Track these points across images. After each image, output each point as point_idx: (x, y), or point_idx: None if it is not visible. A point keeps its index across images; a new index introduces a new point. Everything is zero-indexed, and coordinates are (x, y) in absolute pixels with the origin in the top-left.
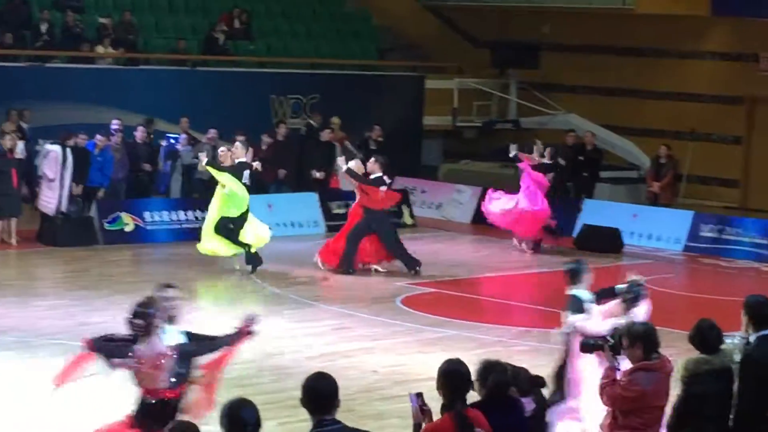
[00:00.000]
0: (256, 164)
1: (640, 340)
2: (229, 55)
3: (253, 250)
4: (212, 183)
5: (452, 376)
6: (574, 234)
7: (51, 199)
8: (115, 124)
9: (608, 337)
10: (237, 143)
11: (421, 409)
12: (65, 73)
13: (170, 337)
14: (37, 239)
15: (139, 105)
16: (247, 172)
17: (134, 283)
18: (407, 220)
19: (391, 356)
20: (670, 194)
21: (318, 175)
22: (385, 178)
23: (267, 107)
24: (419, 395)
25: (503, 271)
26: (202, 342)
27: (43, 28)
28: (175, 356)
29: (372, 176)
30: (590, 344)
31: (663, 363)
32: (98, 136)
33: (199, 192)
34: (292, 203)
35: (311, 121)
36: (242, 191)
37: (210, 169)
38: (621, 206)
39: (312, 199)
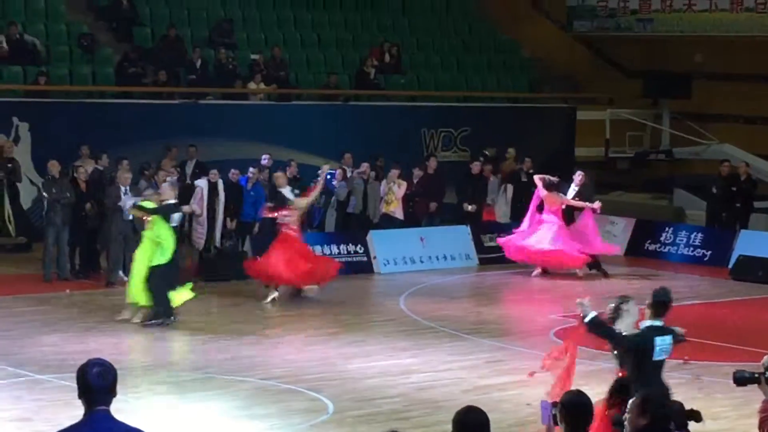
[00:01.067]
0: (188, 208)
1: None
2: (380, 89)
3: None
4: (363, 217)
5: (575, 409)
6: (729, 265)
7: (201, 234)
8: (265, 159)
9: (765, 371)
10: (164, 184)
11: (555, 419)
12: (218, 109)
13: None
14: (192, 274)
15: (291, 140)
16: (177, 215)
17: (286, 317)
18: None
19: (546, 389)
20: None
21: (470, 208)
22: None
23: (418, 141)
24: (555, 404)
25: None
26: None
27: (197, 64)
28: None
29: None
30: (745, 377)
31: None
32: (251, 169)
33: (352, 226)
34: (444, 236)
35: (486, 152)
36: (169, 236)
37: (137, 211)
38: None
39: (464, 231)
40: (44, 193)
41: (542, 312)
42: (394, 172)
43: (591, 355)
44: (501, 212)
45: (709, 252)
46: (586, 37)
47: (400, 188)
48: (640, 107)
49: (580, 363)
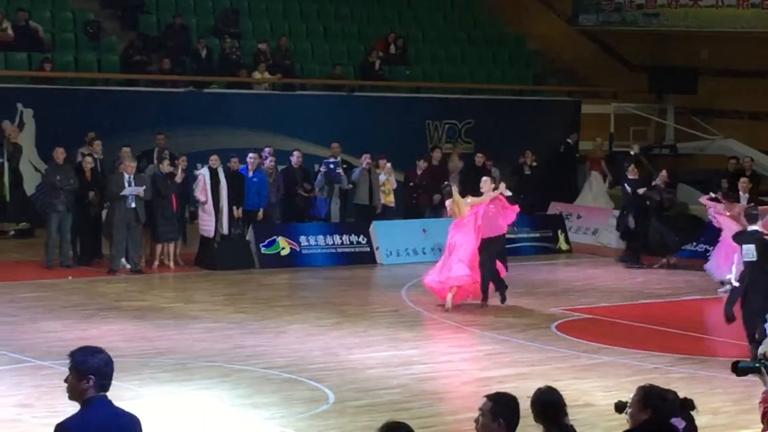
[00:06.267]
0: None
1: None
2: (385, 80)
3: None
4: (369, 208)
5: (547, 406)
6: None
7: (208, 222)
8: (266, 151)
9: (765, 360)
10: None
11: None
12: (222, 98)
13: None
14: (195, 262)
15: (295, 130)
16: None
17: (289, 306)
18: (562, 245)
19: (546, 382)
20: None
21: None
22: None
23: (422, 132)
24: None
25: (658, 298)
26: None
27: (202, 53)
28: None
29: None
30: (747, 367)
31: None
32: (250, 155)
33: (355, 216)
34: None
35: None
36: None
37: None
38: None
39: None
40: (47, 180)
41: (545, 305)
42: (384, 163)
43: (594, 348)
44: (588, 200)
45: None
46: (592, 31)
47: (390, 179)
48: (645, 102)
49: (582, 357)
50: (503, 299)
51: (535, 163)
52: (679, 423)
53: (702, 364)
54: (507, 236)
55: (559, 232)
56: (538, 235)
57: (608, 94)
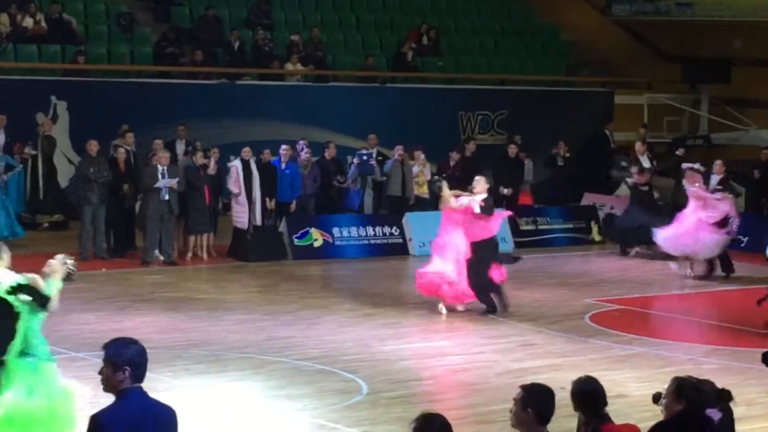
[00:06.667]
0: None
1: None
2: (418, 71)
3: None
4: (402, 200)
5: (588, 396)
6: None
7: (241, 214)
8: (301, 144)
9: None
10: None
11: None
12: (255, 90)
13: None
14: (228, 254)
15: (327, 122)
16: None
17: (322, 298)
18: (595, 236)
19: (579, 373)
20: None
21: (506, 191)
22: None
23: (455, 123)
24: None
25: (692, 289)
26: None
27: (234, 45)
28: None
29: None
30: None
31: None
32: (283, 146)
33: (388, 208)
34: None
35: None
36: None
37: None
38: None
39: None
40: (82, 172)
41: (578, 296)
42: (419, 155)
43: (627, 339)
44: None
45: (746, 238)
46: (625, 21)
47: (425, 170)
48: (679, 92)
49: (615, 348)
50: (505, 307)
51: (567, 154)
52: (714, 414)
53: (735, 354)
54: (540, 227)
55: (592, 223)
56: (571, 225)
57: (641, 85)
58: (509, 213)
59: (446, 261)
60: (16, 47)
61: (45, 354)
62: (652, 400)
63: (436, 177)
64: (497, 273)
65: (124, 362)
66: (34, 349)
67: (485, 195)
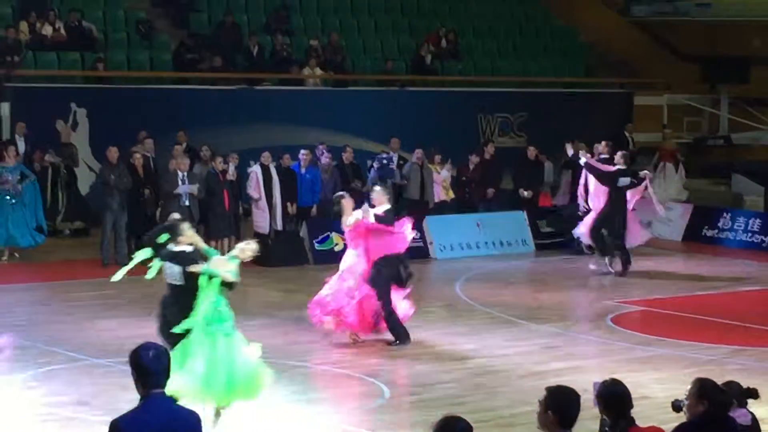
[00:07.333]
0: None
1: None
2: (437, 74)
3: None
4: (421, 203)
5: (614, 398)
6: None
7: (261, 219)
8: (321, 149)
9: None
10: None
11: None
12: (274, 95)
13: None
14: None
15: (347, 126)
16: None
17: None
18: None
19: (601, 375)
20: None
21: (526, 193)
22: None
23: (474, 126)
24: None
25: (714, 290)
26: None
27: (253, 51)
28: None
29: None
30: None
31: None
32: (302, 151)
33: (406, 211)
34: (501, 222)
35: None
36: None
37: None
38: None
39: (520, 217)
40: (102, 179)
41: (599, 298)
42: (440, 159)
43: (649, 340)
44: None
45: None
46: (644, 22)
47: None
48: (698, 92)
49: (636, 349)
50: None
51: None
52: (744, 415)
53: (758, 355)
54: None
55: None
56: None
57: (661, 86)
58: (411, 221)
59: (340, 287)
60: (35, 55)
61: (229, 323)
62: (672, 410)
63: (338, 193)
64: (405, 305)
65: (137, 368)
66: (221, 317)
67: (387, 206)
